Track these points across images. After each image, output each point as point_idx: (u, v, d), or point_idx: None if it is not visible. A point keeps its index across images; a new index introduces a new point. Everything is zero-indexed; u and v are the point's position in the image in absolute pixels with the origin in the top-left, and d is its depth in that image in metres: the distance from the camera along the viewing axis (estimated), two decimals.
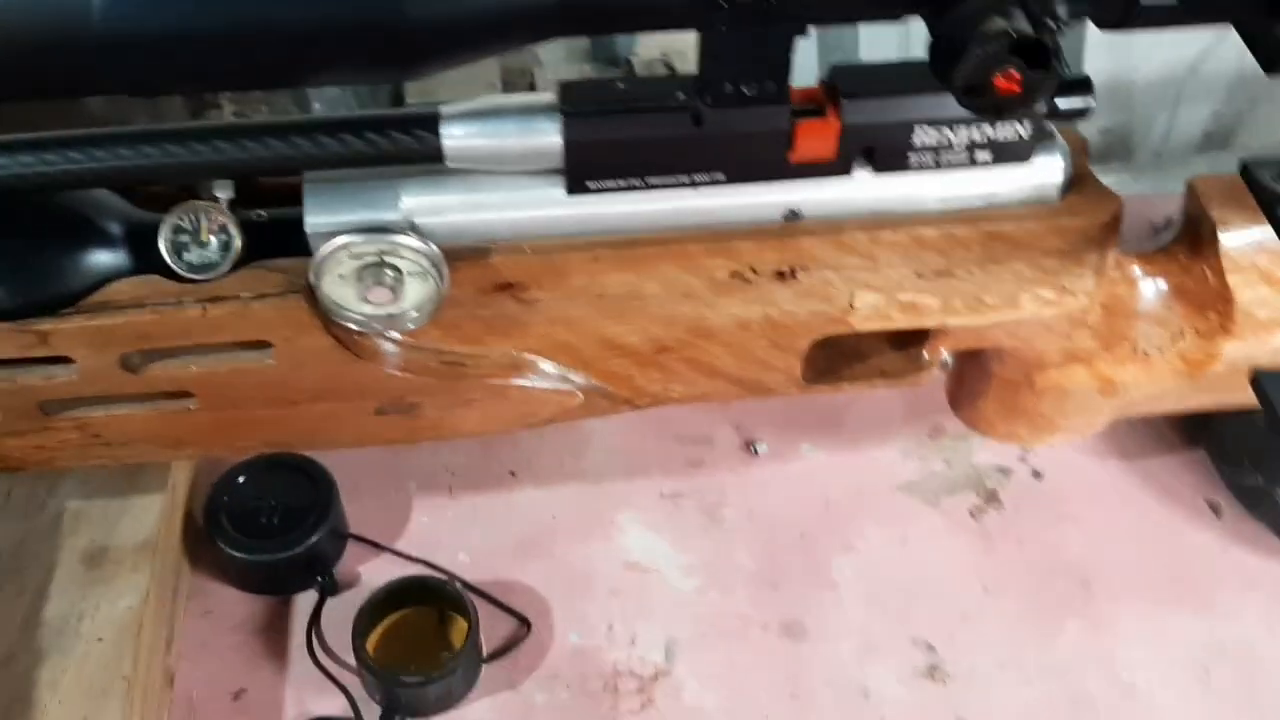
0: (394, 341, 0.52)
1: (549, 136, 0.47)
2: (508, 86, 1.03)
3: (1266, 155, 0.50)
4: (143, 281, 0.49)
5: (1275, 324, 0.58)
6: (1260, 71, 0.45)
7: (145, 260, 0.49)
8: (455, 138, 0.47)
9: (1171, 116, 1.07)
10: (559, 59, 1.05)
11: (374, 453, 0.70)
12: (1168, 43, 0.99)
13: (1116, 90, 1.04)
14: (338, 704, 0.60)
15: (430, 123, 0.47)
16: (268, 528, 0.64)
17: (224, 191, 0.49)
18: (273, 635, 0.64)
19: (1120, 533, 0.68)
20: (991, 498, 0.70)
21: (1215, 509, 0.69)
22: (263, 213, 0.51)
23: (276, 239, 0.50)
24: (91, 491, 0.61)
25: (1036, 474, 0.71)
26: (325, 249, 0.47)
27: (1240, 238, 0.56)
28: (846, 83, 0.49)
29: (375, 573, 0.66)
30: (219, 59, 0.41)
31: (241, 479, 0.65)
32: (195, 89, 0.42)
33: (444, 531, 0.68)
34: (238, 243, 0.49)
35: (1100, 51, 0.99)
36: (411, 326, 0.50)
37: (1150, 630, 0.64)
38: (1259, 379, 0.40)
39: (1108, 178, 1.00)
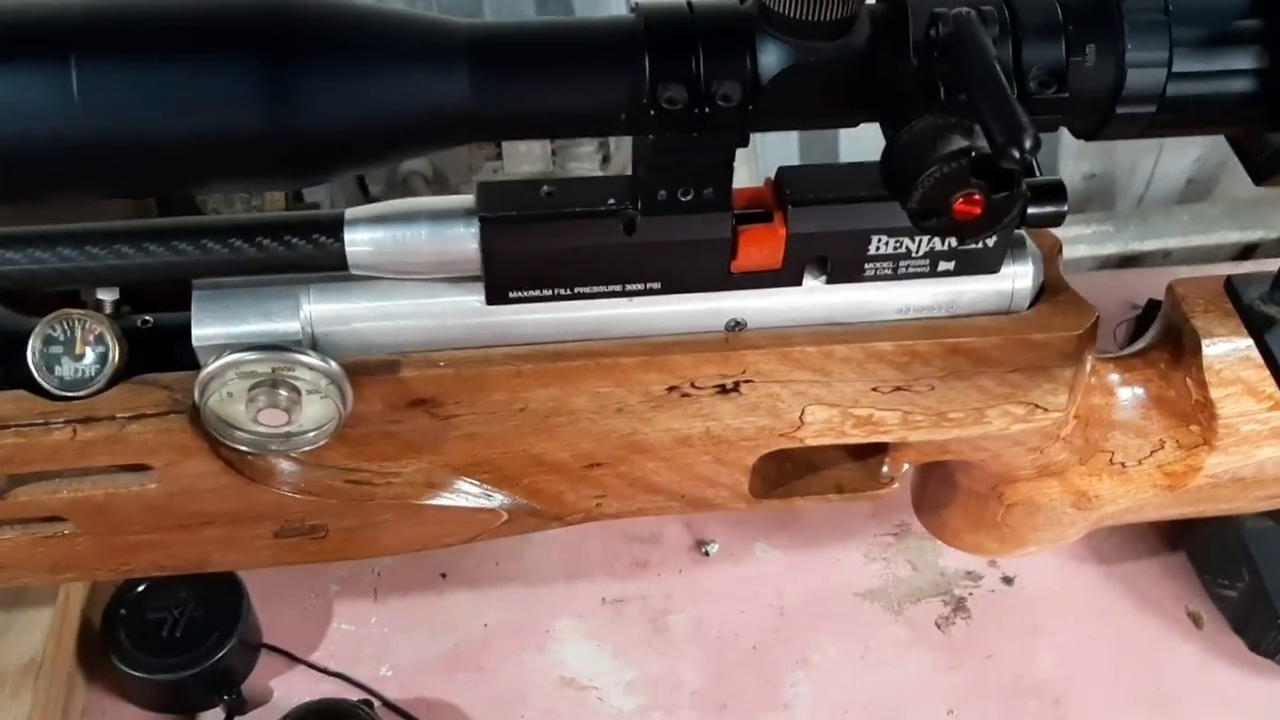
0: (293, 461, 0.47)
1: (465, 244, 0.43)
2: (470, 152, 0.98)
3: (1253, 273, 0.46)
4: (7, 398, 0.43)
5: (1260, 437, 0.54)
6: None
7: (11, 373, 0.44)
8: (360, 244, 0.42)
9: (1155, 163, 1.04)
10: None
11: None
12: None
13: None
14: None
15: (333, 228, 0.42)
16: (169, 642, 0.58)
17: (108, 294, 0.44)
18: None
19: (1095, 646, 0.64)
20: (959, 606, 0.65)
21: (1195, 620, 0.65)
22: (149, 318, 0.46)
23: (163, 348, 0.45)
24: None
25: (1007, 580, 0.67)
26: (211, 368, 0.42)
27: (1224, 349, 0.52)
28: (795, 186, 0.44)
29: (290, 687, 0.61)
30: (96, 169, 0.36)
31: (141, 588, 0.60)
32: (72, 198, 0.37)
33: (366, 641, 0.63)
34: (115, 355, 0.44)
35: None
36: (309, 447, 0.45)
37: None
38: (1243, 538, 0.35)
39: (1090, 227, 0.97)
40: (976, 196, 0.36)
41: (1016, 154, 0.32)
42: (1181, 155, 1.05)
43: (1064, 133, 1.07)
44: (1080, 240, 0.94)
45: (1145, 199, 1.09)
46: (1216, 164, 1.06)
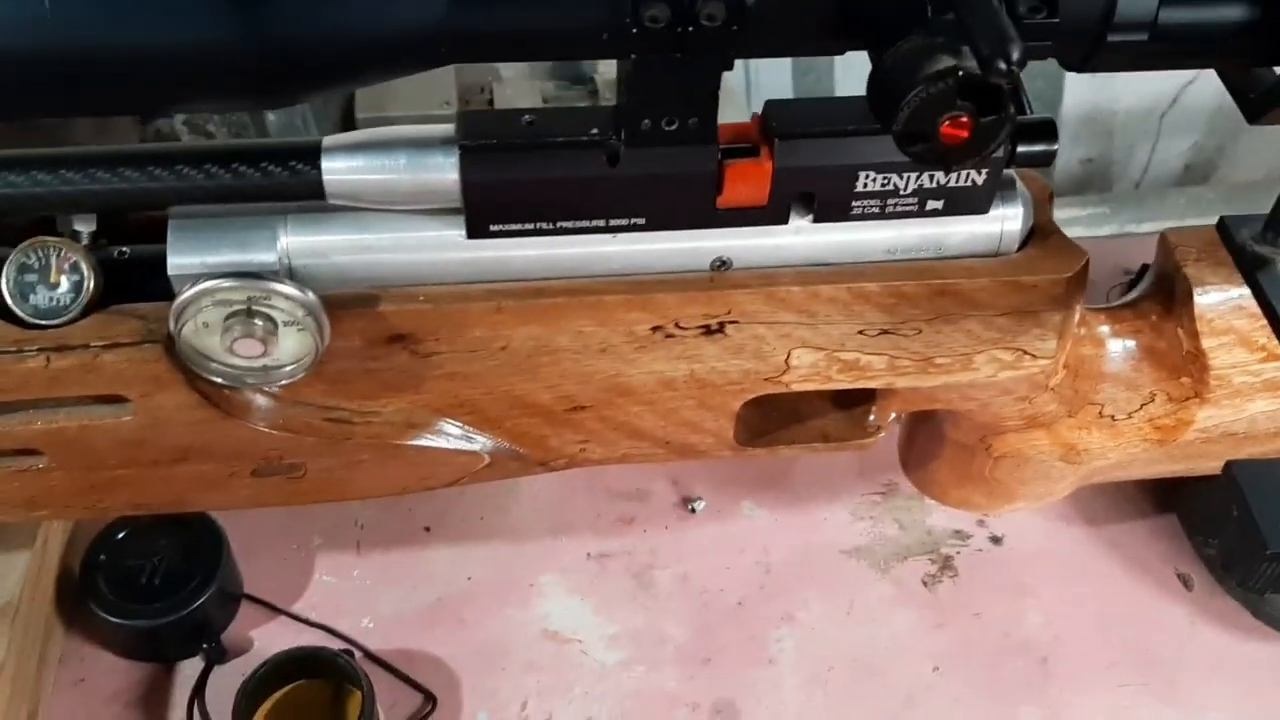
0: (269, 396, 0.46)
1: (444, 173, 0.42)
2: (464, 103, 0.98)
3: (1247, 214, 0.45)
4: None
5: (1253, 390, 0.53)
6: None
7: None
8: (338, 172, 0.42)
9: (1152, 148, 1.04)
10: (520, 74, 1.01)
11: None
12: (1150, 74, 0.95)
13: (1097, 121, 1.01)
14: None
15: (310, 155, 0.42)
16: (148, 589, 0.58)
17: (84, 225, 0.44)
18: (151, 708, 0.58)
19: (1083, 607, 0.63)
20: (946, 565, 0.65)
21: (1185, 581, 0.64)
22: (125, 250, 0.45)
23: (139, 280, 0.44)
24: None
25: (996, 539, 0.66)
26: (186, 295, 0.42)
27: (1217, 298, 0.52)
28: (783, 120, 0.44)
29: (270, 638, 0.60)
30: (69, 83, 0.35)
31: (121, 535, 0.59)
32: (45, 114, 0.36)
33: (348, 593, 0.62)
34: (91, 284, 0.43)
35: (1081, 82, 0.96)
36: (286, 381, 0.44)
37: (1110, 717, 0.59)
38: (1231, 469, 0.35)
39: (1085, 209, 0.96)
40: (964, 119, 0.36)
41: (1003, 66, 0.32)
42: (1179, 140, 1.04)
43: (1060, 115, 1.05)
44: (1076, 222, 0.93)
45: (1143, 184, 1.08)
46: (1214, 149, 1.05)
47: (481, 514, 0.66)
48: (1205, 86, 0.99)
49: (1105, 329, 0.54)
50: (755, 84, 0.93)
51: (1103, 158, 1.06)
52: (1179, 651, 0.62)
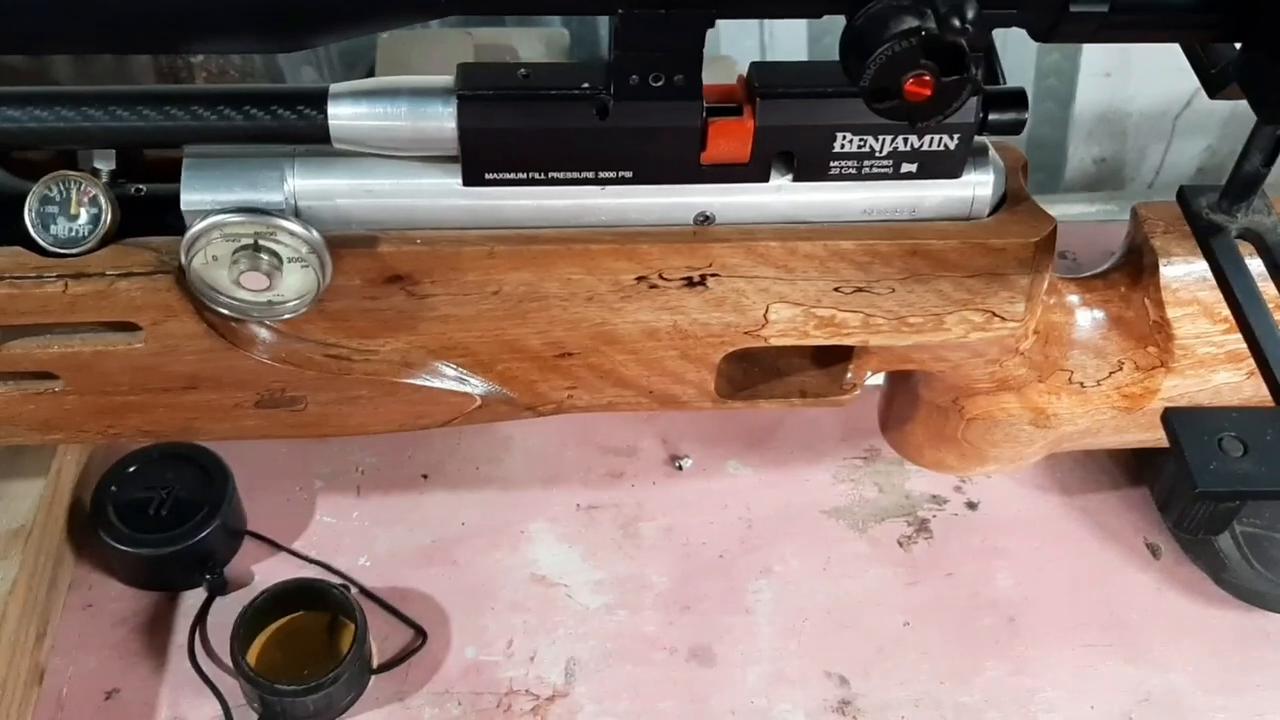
0: (273, 330, 0.49)
1: (443, 121, 0.44)
2: None
3: (1206, 184, 0.47)
4: (3, 253, 0.45)
5: (1216, 360, 0.56)
6: None
7: (9, 231, 0.46)
8: (342, 117, 0.44)
9: (1165, 149, 1.05)
10: (536, 54, 1.03)
11: (280, 446, 0.67)
12: (1164, 76, 0.97)
13: (1111, 121, 1.02)
14: (215, 710, 0.57)
15: (317, 100, 0.44)
16: (156, 520, 0.61)
17: (104, 163, 0.46)
18: (155, 634, 0.61)
19: (1053, 571, 0.65)
20: (922, 527, 0.67)
21: (1154, 551, 0.67)
22: (142, 187, 0.48)
23: (154, 216, 0.47)
24: None
25: (971, 505, 0.68)
26: (197, 228, 0.44)
27: (1183, 270, 0.54)
28: (765, 80, 0.46)
29: (270, 572, 0.63)
30: (87, 17, 0.38)
31: (132, 468, 0.62)
32: (55, 50, 0.39)
33: (347, 533, 0.65)
34: (108, 217, 0.46)
35: (1096, 81, 0.98)
36: (290, 316, 0.47)
37: (1075, 675, 0.61)
38: (1168, 414, 0.37)
39: (1094, 206, 0.97)
40: (926, 78, 0.38)
41: (958, 23, 0.34)
42: (1193, 143, 1.05)
43: (1073, 114, 1.06)
44: (1085, 219, 0.95)
45: (1154, 186, 1.09)
46: (1227, 154, 1.06)
47: (477, 464, 0.69)
48: None
49: (1075, 298, 0.56)
50: (770, 50, 0.95)
51: (1115, 158, 1.06)
52: (1144, 615, 0.64)
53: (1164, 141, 1.05)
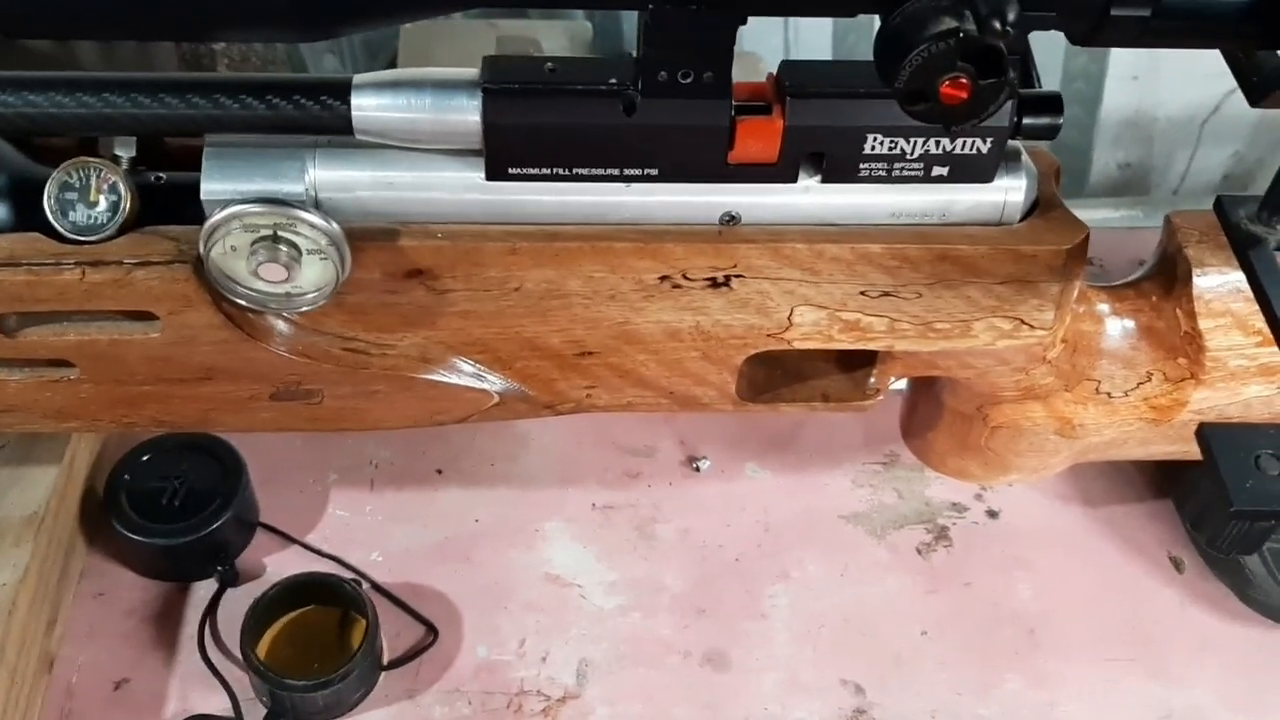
0: (291, 323, 0.48)
1: (467, 115, 0.44)
2: None
3: (1245, 194, 0.46)
4: (21, 239, 0.45)
5: (1248, 374, 0.55)
6: None
7: (29, 217, 0.45)
8: (366, 108, 0.44)
9: (1191, 155, 1.04)
10: (560, 47, 1.02)
11: (295, 439, 0.67)
12: (1192, 80, 0.96)
13: (1138, 126, 1.01)
14: (224, 702, 0.57)
15: (341, 91, 0.44)
16: (169, 510, 0.60)
17: (125, 150, 0.46)
18: (165, 624, 0.60)
19: (1075, 582, 0.65)
20: (942, 535, 0.66)
21: (1177, 564, 0.66)
22: (162, 175, 0.47)
23: (173, 205, 0.46)
24: None
25: (992, 513, 0.67)
26: (216, 217, 0.44)
27: (1216, 280, 0.53)
28: (796, 79, 0.45)
29: (282, 565, 0.62)
30: (109, 4, 0.38)
31: (146, 457, 0.61)
32: (80, 35, 0.38)
33: (360, 528, 0.65)
34: (128, 205, 0.45)
35: (1124, 85, 0.96)
36: (308, 308, 0.46)
37: (1095, 689, 0.60)
38: (1203, 430, 0.36)
39: (1119, 211, 0.96)
40: (963, 80, 0.37)
41: (998, 25, 0.33)
42: (1220, 150, 1.04)
43: (1100, 118, 1.05)
44: (1109, 224, 0.94)
45: (1180, 192, 1.08)
46: (1255, 161, 1.05)
47: (493, 460, 0.68)
48: None
49: (1105, 307, 0.55)
50: (795, 47, 0.94)
51: (1141, 163, 1.05)
52: (1167, 630, 0.63)
53: (1190, 147, 1.03)
